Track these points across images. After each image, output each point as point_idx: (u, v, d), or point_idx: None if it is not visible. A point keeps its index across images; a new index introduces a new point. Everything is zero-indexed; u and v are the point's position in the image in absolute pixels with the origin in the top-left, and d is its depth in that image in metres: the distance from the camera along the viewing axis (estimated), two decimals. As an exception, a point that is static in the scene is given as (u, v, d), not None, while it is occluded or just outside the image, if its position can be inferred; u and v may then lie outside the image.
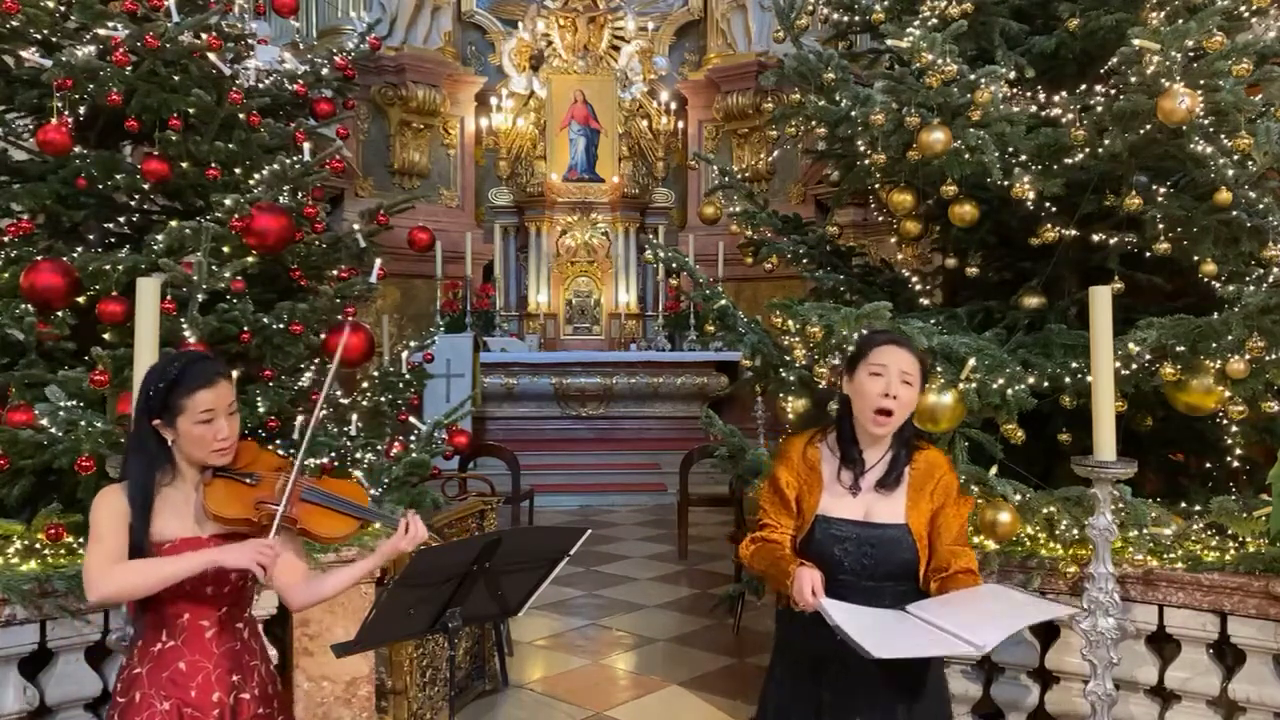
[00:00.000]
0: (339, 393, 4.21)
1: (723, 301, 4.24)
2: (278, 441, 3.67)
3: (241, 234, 3.57)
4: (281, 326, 3.78)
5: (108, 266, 3.52)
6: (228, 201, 3.61)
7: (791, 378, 3.93)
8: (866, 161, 3.99)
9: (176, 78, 3.84)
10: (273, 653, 2.92)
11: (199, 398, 2.15)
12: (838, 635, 2.13)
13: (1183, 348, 3.31)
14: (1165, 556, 3.26)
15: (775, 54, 9.68)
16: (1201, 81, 3.34)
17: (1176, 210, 3.68)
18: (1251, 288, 3.44)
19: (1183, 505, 3.58)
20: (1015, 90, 3.87)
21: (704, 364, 11.04)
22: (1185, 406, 3.45)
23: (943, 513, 2.39)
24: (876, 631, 2.13)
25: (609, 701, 4.62)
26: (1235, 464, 3.71)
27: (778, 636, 2.64)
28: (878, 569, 2.35)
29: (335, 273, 4.27)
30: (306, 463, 2.31)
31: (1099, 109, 3.56)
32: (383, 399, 4.27)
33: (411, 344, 4.64)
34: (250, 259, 3.67)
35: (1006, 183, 3.60)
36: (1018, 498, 3.40)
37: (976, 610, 2.24)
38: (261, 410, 3.58)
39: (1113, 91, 3.61)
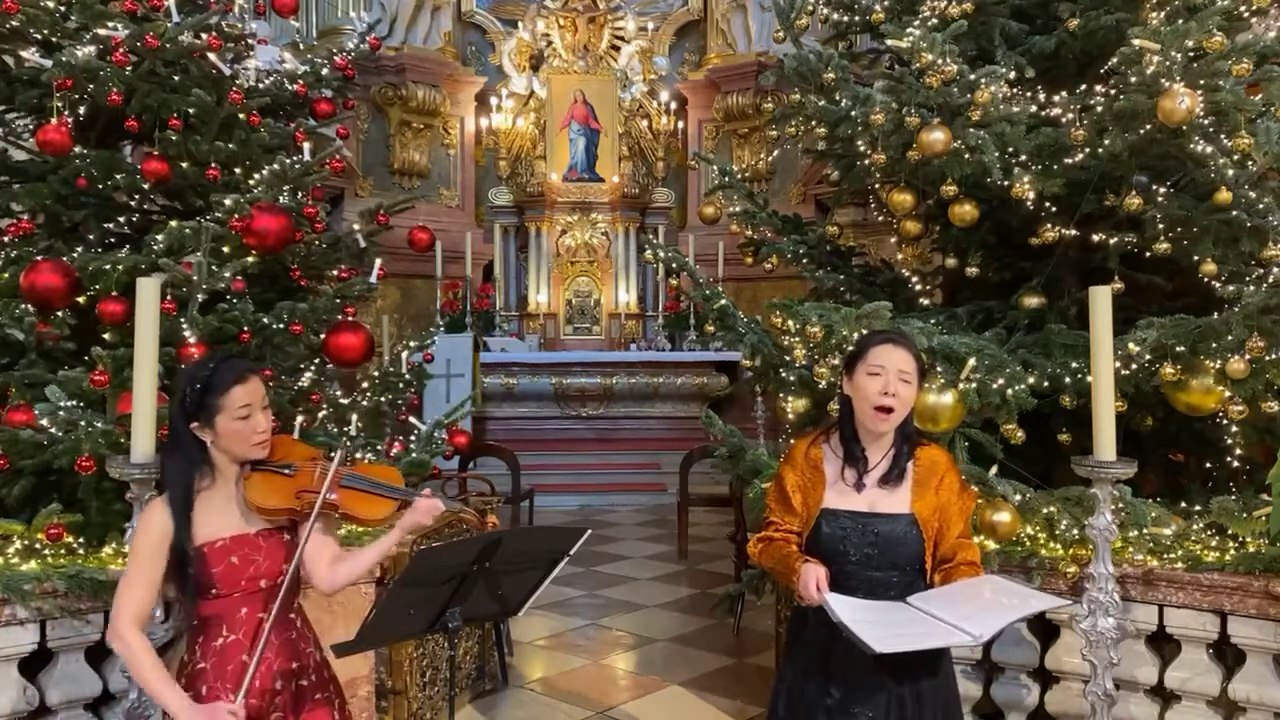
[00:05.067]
0: (339, 393, 4.21)
1: (723, 301, 4.25)
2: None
3: (241, 234, 3.57)
4: (281, 326, 3.78)
5: (108, 266, 3.52)
6: (228, 201, 3.62)
7: (791, 378, 3.93)
8: (866, 161, 3.99)
9: (176, 78, 3.85)
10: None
11: (234, 394, 2.22)
12: (842, 631, 2.17)
13: (1183, 348, 3.31)
14: (1165, 556, 3.27)
15: (775, 54, 9.65)
16: (1201, 81, 3.34)
17: (1176, 210, 3.68)
18: (1251, 288, 3.44)
19: (1183, 505, 3.59)
20: (1015, 90, 3.87)
21: (704, 364, 11.01)
22: (1185, 406, 3.45)
23: (948, 508, 2.43)
24: (878, 626, 2.17)
25: (609, 701, 4.61)
26: (1235, 464, 3.71)
27: (788, 636, 2.66)
28: (883, 559, 2.38)
29: (335, 273, 4.28)
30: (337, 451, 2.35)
31: (1099, 109, 3.56)
32: (383, 399, 4.27)
33: (411, 344, 4.65)
34: (250, 259, 3.68)
35: (1006, 183, 3.60)
36: (1018, 498, 3.41)
37: (974, 601, 2.28)
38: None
39: (1113, 91, 3.61)
